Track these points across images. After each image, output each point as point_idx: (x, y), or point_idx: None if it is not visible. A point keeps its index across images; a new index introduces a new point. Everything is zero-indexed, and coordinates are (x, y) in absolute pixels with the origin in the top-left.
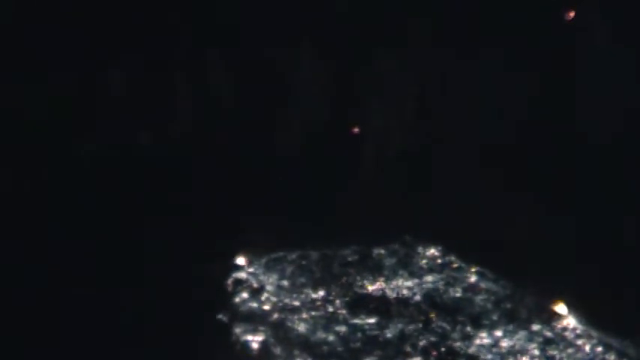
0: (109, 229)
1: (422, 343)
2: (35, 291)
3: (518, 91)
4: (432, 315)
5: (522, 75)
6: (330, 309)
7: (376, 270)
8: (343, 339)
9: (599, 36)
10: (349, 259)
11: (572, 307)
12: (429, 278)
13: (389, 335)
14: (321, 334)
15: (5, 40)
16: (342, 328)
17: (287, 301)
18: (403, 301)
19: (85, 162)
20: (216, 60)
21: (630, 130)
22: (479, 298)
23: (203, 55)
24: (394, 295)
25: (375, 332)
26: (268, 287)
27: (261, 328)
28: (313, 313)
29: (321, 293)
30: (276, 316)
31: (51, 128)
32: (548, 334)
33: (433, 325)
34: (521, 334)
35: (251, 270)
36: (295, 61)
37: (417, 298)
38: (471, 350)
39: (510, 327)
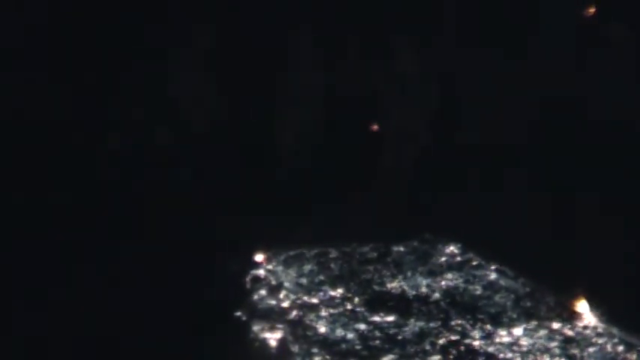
0: (127, 228)
1: (441, 341)
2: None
3: (539, 91)
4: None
5: (541, 74)
6: (349, 307)
7: (395, 267)
8: (362, 337)
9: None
10: (368, 256)
11: (593, 305)
12: (449, 276)
13: (408, 333)
14: (339, 332)
15: (36, 42)
16: (361, 326)
17: (305, 298)
18: (422, 299)
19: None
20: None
21: None
22: (498, 296)
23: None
24: (413, 293)
25: (394, 330)
26: (286, 284)
27: (280, 325)
28: (332, 310)
29: (340, 291)
30: (294, 313)
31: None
32: (569, 332)
33: (452, 323)
34: (542, 332)
35: (269, 267)
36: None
37: (437, 295)
38: (491, 349)
39: (530, 325)
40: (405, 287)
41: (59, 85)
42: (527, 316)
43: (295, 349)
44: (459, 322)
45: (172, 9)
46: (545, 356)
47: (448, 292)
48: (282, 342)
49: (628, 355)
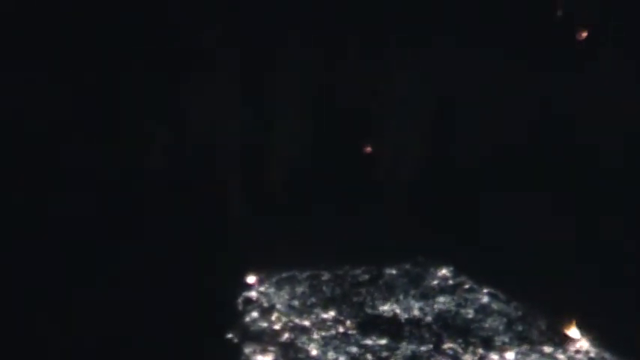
0: (120, 249)
1: None
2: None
3: (532, 107)
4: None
5: (537, 89)
6: (341, 329)
7: (387, 290)
8: None
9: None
10: (360, 279)
11: (585, 330)
12: (441, 299)
13: (400, 356)
14: (331, 355)
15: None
16: (353, 349)
17: (297, 321)
18: (414, 322)
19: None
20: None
21: None
22: (490, 320)
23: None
24: (405, 316)
25: (386, 353)
26: (279, 306)
27: (272, 348)
28: (324, 333)
29: (332, 313)
30: (286, 336)
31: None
32: (561, 356)
33: (444, 347)
34: (534, 356)
35: (262, 289)
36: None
37: (429, 319)
38: None
39: (522, 349)
40: (397, 310)
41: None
42: (519, 339)
43: None
44: (451, 345)
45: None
46: None
47: (440, 316)
48: None
49: None
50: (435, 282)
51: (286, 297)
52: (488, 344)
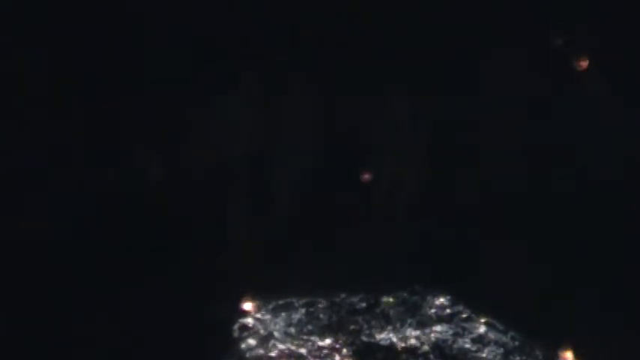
0: (114, 274)
1: None
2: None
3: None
4: None
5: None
6: (337, 357)
7: (384, 319)
8: None
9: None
10: (357, 306)
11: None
12: (438, 328)
13: None
14: None
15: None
16: None
17: (294, 348)
18: (411, 351)
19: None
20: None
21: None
22: (487, 350)
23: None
24: (402, 345)
25: None
26: (275, 334)
27: None
28: None
29: (329, 341)
30: None
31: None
32: None
33: None
34: None
35: (258, 316)
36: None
37: (426, 348)
38: None
39: None
40: (394, 339)
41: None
42: None
43: None
44: None
45: None
46: None
47: (437, 345)
48: None
49: None
50: (433, 311)
51: (283, 324)
52: None
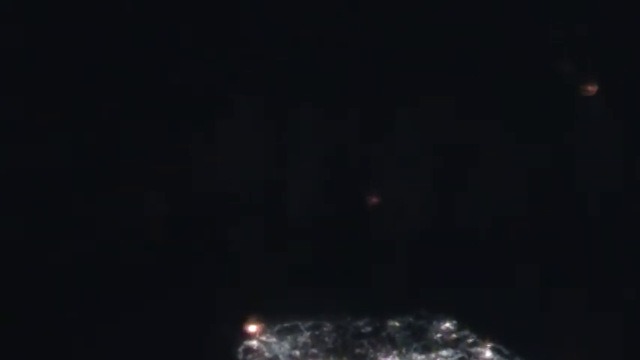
0: (120, 295)
1: None
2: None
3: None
4: None
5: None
6: None
7: (390, 342)
8: None
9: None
10: (362, 330)
11: None
12: (444, 353)
13: None
14: None
15: None
16: None
17: None
18: None
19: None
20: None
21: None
22: None
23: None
24: None
25: None
26: (281, 357)
27: None
28: None
29: None
30: None
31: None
32: None
33: None
34: None
35: (263, 338)
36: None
37: None
38: None
39: None
40: None
41: None
42: None
43: None
44: None
45: None
46: None
47: None
48: None
49: None
50: (438, 335)
51: (288, 347)
52: None
